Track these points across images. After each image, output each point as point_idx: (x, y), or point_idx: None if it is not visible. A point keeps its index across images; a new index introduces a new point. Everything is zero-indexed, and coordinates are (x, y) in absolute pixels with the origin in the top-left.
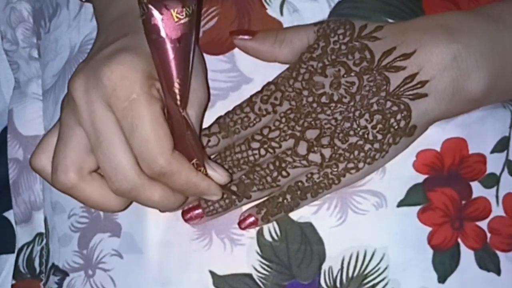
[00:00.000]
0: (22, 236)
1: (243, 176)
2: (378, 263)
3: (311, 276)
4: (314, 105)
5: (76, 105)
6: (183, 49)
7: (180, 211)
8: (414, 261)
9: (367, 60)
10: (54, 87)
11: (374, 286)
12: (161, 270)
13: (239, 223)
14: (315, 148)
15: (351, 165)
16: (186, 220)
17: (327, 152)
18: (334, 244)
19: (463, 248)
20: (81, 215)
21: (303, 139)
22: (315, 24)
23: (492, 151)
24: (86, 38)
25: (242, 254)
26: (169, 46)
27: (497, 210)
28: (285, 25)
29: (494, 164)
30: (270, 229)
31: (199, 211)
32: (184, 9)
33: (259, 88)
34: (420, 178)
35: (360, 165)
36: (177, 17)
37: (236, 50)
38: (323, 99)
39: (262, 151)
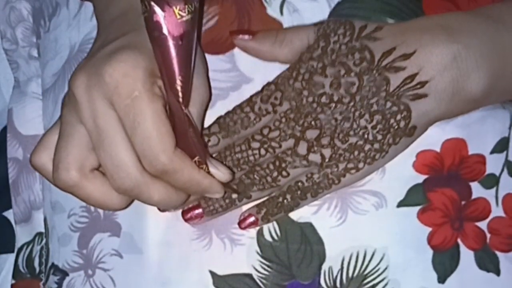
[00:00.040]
0: (22, 235)
1: (243, 176)
2: (378, 263)
3: (311, 276)
4: (314, 105)
5: (77, 102)
6: (185, 46)
7: (180, 211)
8: (414, 261)
9: (367, 60)
10: (54, 87)
11: (374, 286)
12: (161, 270)
13: (239, 223)
14: (315, 148)
15: (351, 165)
16: (186, 220)
17: (327, 152)
18: (334, 244)
19: (462, 248)
20: (81, 215)
21: (303, 139)
22: (315, 24)
23: (492, 152)
24: (86, 37)
25: (242, 254)
26: (171, 43)
27: (497, 211)
28: (285, 25)
29: (494, 164)
30: (270, 229)
31: (199, 211)
32: (186, 7)
33: (259, 88)
34: (420, 178)
35: (360, 165)
36: (179, 14)
37: (236, 50)
38: (323, 99)
39: (262, 151)
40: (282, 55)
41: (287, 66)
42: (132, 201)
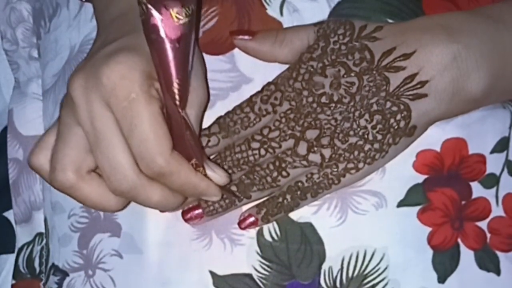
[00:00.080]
0: (22, 236)
1: (243, 176)
2: (378, 263)
3: (311, 276)
4: (314, 105)
5: (75, 104)
6: (183, 49)
7: (180, 211)
8: (414, 261)
9: (367, 60)
10: (54, 87)
11: (374, 286)
12: (161, 270)
13: (239, 223)
14: (315, 148)
15: (351, 165)
16: (186, 220)
17: (327, 152)
18: (334, 244)
19: (463, 248)
20: (81, 215)
21: (303, 139)
22: (315, 24)
23: (492, 151)
24: (86, 38)
25: (242, 254)
26: (168, 46)
27: (497, 210)
28: (285, 25)
29: (494, 164)
30: (270, 229)
31: (199, 211)
32: (183, 9)
33: (259, 88)
34: (420, 178)
35: (360, 165)
36: (176, 17)
37: (236, 50)
38: (323, 99)
39: (262, 151)
40: (282, 55)
41: (287, 66)
42: (129, 203)
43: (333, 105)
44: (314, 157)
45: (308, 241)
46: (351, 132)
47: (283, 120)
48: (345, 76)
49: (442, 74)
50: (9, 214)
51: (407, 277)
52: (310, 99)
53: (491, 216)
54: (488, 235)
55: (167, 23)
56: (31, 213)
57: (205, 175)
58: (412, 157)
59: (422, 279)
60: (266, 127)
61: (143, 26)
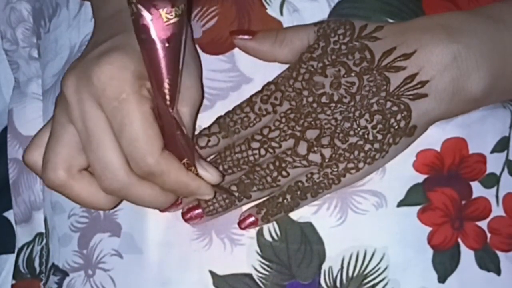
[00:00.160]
0: (22, 236)
1: (243, 176)
2: (378, 263)
3: (311, 276)
4: (314, 105)
5: (68, 103)
6: (173, 49)
7: (180, 211)
8: (414, 261)
9: (367, 60)
10: (54, 87)
11: (374, 286)
12: (161, 270)
13: (239, 223)
14: (315, 148)
15: (351, 165)
16: (186, 220)
17: (327, 152)
18: (334, 244)
19: (463, 248)
20: (81, 215)
21: (303, 139)
22: (315, 24)
23: (492, 151)
24: (86, 38)
25: (242, 254)
26: (158, 46)
27: (497, 210)
28: (285, 25)
29: (494, 164)
30: (270, 229)
31: (199, 211)
32: (173, 9)
33: (259, 88)
34: (420, 178)
35: (360, 165)
36: (166, 17)
37: (236, 50)
38: (323, 99)
39: (262, 151)
40: (282, 55)
41: (287, 66)
42: (120, 201)
43: (333, 105)
44: (314, 157)
45: (308, 241)
46: (351, 132)
47: (283, 120)
48: (345, 76)
49: (442, 74)
50: (9, 214)
51: (407, 277)
52: (310, 99)
53: (491, 216)
54: (489, 235)
55: (157, 23)
56: (31, 213)
57: (197, 174)
58: (412, 157)
59: (422, 279)
60: (266, 127)
61: (134, 26)
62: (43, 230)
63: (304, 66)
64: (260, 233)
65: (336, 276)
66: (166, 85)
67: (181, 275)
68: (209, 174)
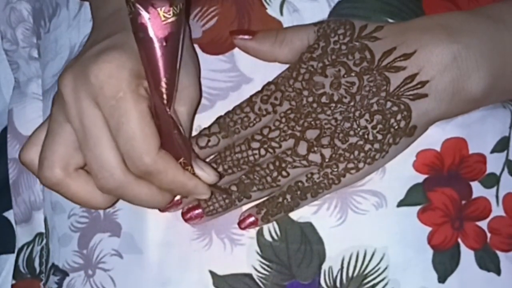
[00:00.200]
0: (22, 236)
1: (243, 176)
2: (378, 263)
3: (311, 276)
4: (314, 105)
5: (65, 101)
6: (170, 48)
7: (180, 211)
8: (414, 261)
9: (367, 60)
10: (54, 87)
11: (374, 286)
12: (161, 270)
13: (239, 223)
14: (315, 148)
15: (351, 165)
16: (186, 220)
17: (327, 152)
18: (334, 244)
19: (463, 248)
20: (81, 215)
21: (303, 139)
22: (315, 24)
23: (492, 151)
24: (86, 38)
25: (242, 254)
26: (156, 45)
27: (497, 210)
28: (285, 25)
29: (494, 164)
30: (270, 229)
31: (199, 211)
32: (171, 8)
33: (259, 88)
34: (420, 178)
35: (360, 165)
36: (164, 16)
37: (236, 50)
38: (323, 99)
39: (262, 151)
40: (282, 55)
41: (287, 66)
42: (117, 200)
43: (334, 105)
44: (314, 157)
45: (308, 241)
46: (351, 132)
47: (283, 120)
48: (345, 76)
49: (442, 74)
50: (9, 214)
51: (407, 277)
52: (310, 99)
53: (491, 216)
54: (489, 235)
55: (155, 22)
56: (31, 213)
57: (194, 173)
58: (412, 157)
59: (422, 279)
60: (266, 127)
61: (131, 24)
62: (43, 230)
63: (304, 66)
64: (260, 233)
65: (336, 276)
66: (163, 84)
67: (181, 275)
68: (206, 173)
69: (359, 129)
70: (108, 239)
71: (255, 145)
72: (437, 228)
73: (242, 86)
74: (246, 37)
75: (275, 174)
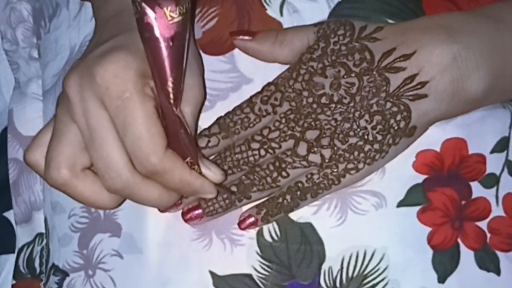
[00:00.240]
0: (22, 236)
1: (243, 177)
2: (378, 263)
3: (311, 276)
4: (314, 105)
5: (70, 102)
6: (177, 47)
7: (180, 211)
8: (414, 261)
9: (367, 61)
10: (54, 87)
11: (374, 286)
12: (161, 270)
13: (239, 224)
14: (315, 149)
15: (351, 165)
16: (186, 221)
17: (327, 153)
18: (334, 244)
19: (463, 248)
20: (81, 215)
21: (303, 139)
22: (315, 24)
23: (492, 151)
24: (86, 38)
25: (242, 255)
26: (162, 44)
27: (497, 210)
28: (285, 26)
29: (494, 164)
30: (270, 230)
31: (199, 211)
32: (177, 8)
33: (259, 89)
34: (420, 178)
35: (360, 165)
36: (170, 15)
37: (236, 50)
38: (323, 100)
39: (262, 152)
40: (282, 56)
41: (287, 66)
42: (124, 200)
43: (333, 105)
44: (314, 158)
45: (308, 241)
46: (351, 133)
47: (283, 120)
48: (345, 76)
49: (442, 74)
50: (9, 214)
51: (407, 277)
52: (310, 100)
53: (491, 216)
54: (488, 235)
55: (161, 22)
56: (31, 213)
57: (200, 173)
58: (412, 157)
59: (422, 279)
60: (266, 127)
61: (137, 24)
62: (43, 230)
63: (304, 66)
64: (260, 234)
65: (336, 276)
66: (170, 84)
67: (181, 275)
68: (212, 172)
69: (359, 129)
70: (108, 239)
71: (255, 145)
72: (437, 228)
73: (242, 86)
74: (246, 37)
75: (275, 174)
